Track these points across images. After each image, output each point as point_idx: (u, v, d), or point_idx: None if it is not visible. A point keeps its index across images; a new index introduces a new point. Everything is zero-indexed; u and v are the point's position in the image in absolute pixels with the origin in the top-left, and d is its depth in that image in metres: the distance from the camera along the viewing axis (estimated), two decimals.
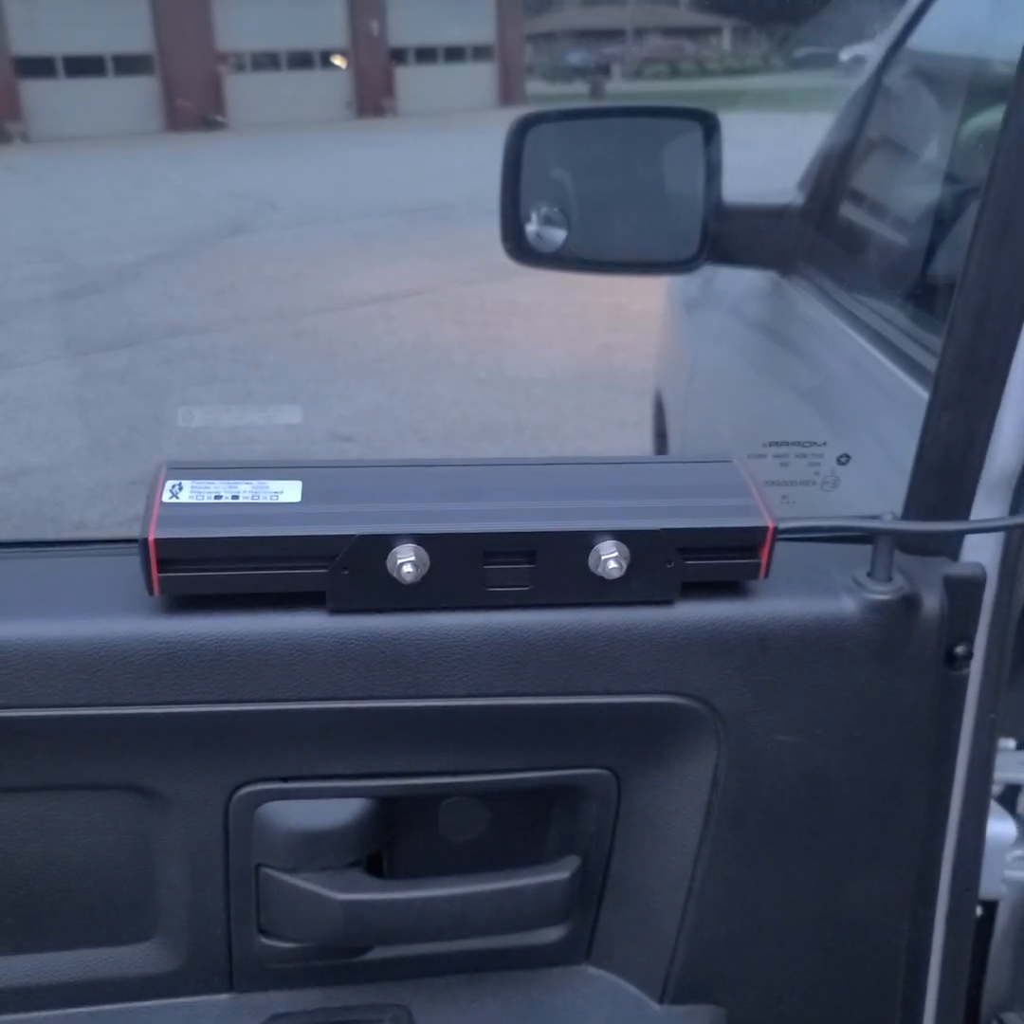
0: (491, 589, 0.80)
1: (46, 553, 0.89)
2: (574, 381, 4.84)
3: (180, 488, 0.79)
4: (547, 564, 0.80)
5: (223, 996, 0.93)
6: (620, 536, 0.79)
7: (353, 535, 0.77)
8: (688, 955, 0.93)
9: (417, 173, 11.48)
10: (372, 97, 16.78)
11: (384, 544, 0.77)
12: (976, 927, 0.99)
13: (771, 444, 0.95)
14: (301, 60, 17.02)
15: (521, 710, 0.83)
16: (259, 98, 15.72)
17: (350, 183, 11.38)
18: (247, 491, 0.79)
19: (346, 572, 0.78)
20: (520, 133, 1.36)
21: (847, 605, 0.84)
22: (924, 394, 0.88)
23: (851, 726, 0.87)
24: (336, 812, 0.85)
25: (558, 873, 0.90)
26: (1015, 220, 0.79)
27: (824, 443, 0.95)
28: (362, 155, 13.74)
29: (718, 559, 0.81)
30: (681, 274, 1.51)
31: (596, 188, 1.45)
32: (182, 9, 15.26)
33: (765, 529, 0.80)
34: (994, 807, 0.99)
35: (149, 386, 5.24)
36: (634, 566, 0.79)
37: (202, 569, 0.77)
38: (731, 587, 0.83)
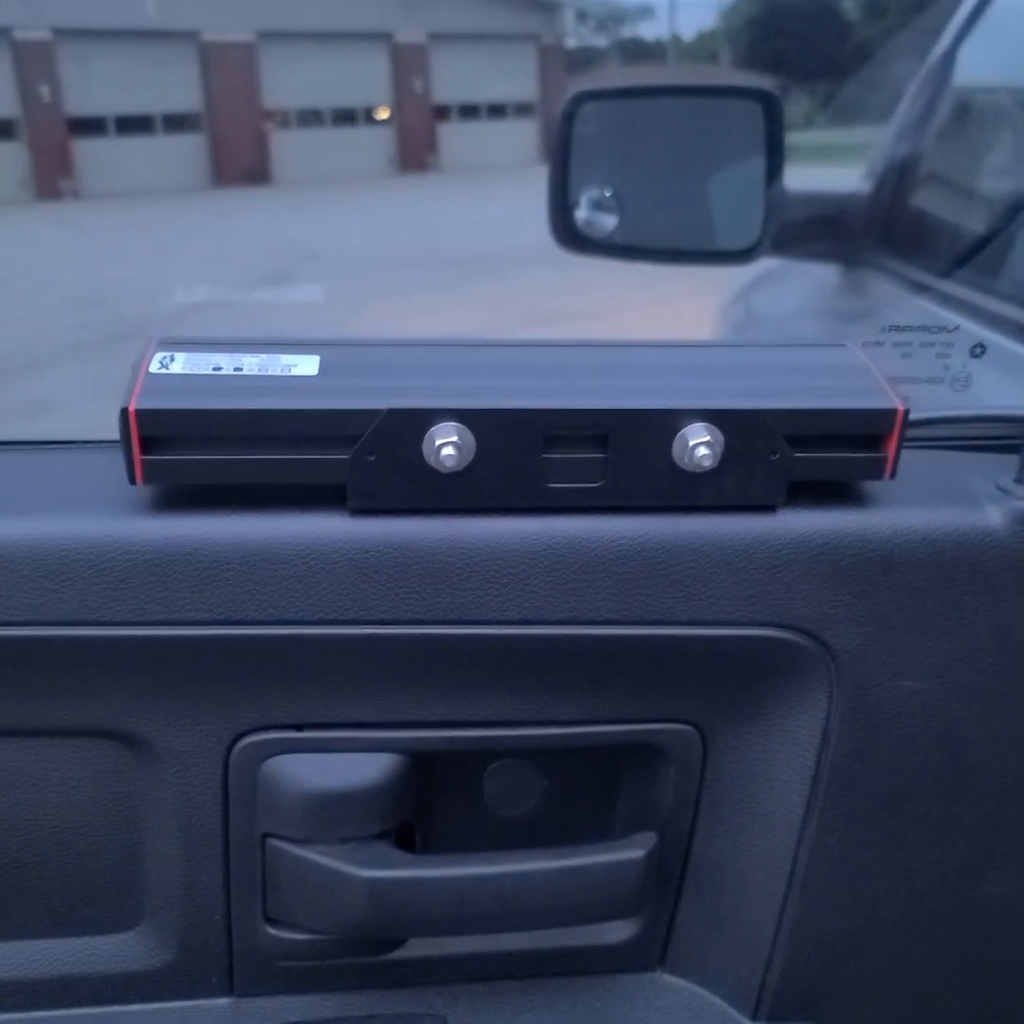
0: (553, 485, 0.66)
1: (21, 450, 0.77)
2: None
3: (172, 359, 0.66)
4: (622, 453, 0.66)
5: (222, 1000, 0.78)
6: (712, 417, 0.65)
7: (381, 410, 0.64)
8: (788, 961, 0.78)
9: (458, 226, 11.55)
10: (415, 153, 17.00)
11: (420, 421, 0.64)
12: None
13: (891, 329, 0.83)
14: (345, 117, 17.30)
15: (586, 642, 0.69)
16: (303, 154, 15.98)
17: (391, 235, 11.45)
18: (253, 364, 0.67)
19: (372, 458, 0.64)
20: (571, 110, 1.28)
21: (991, 516, 0.70)
22: None
23: (994, 673, 0.72)
24: (360, 769, 0.72)
25: (632, 851, 0.75)
26: None
27: (956, 327, 0.83)
28: (404, 209, 13.88)
29: (834, 451, 0.67)
30: (739, 265, 1.41)
31: (650, 171, 1.36)
32: (230, 69, 15.58)
33: (893, 412, 0.66)
34: None
35: None
36: (729, 456, 0.66)
37: (195, 452, 0.64)
38: (848, 492, 0.69)
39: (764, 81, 1.38)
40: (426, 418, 0.64)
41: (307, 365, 0.67)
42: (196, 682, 0.69)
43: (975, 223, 1.39)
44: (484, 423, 0.64)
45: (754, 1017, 0.81)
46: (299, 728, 0.71)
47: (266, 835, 0.73)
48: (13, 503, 0.67)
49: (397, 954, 0.79)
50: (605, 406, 0.65)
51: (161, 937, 0.77)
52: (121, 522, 0.66)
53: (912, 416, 0.67)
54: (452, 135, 17.38)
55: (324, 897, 0.73)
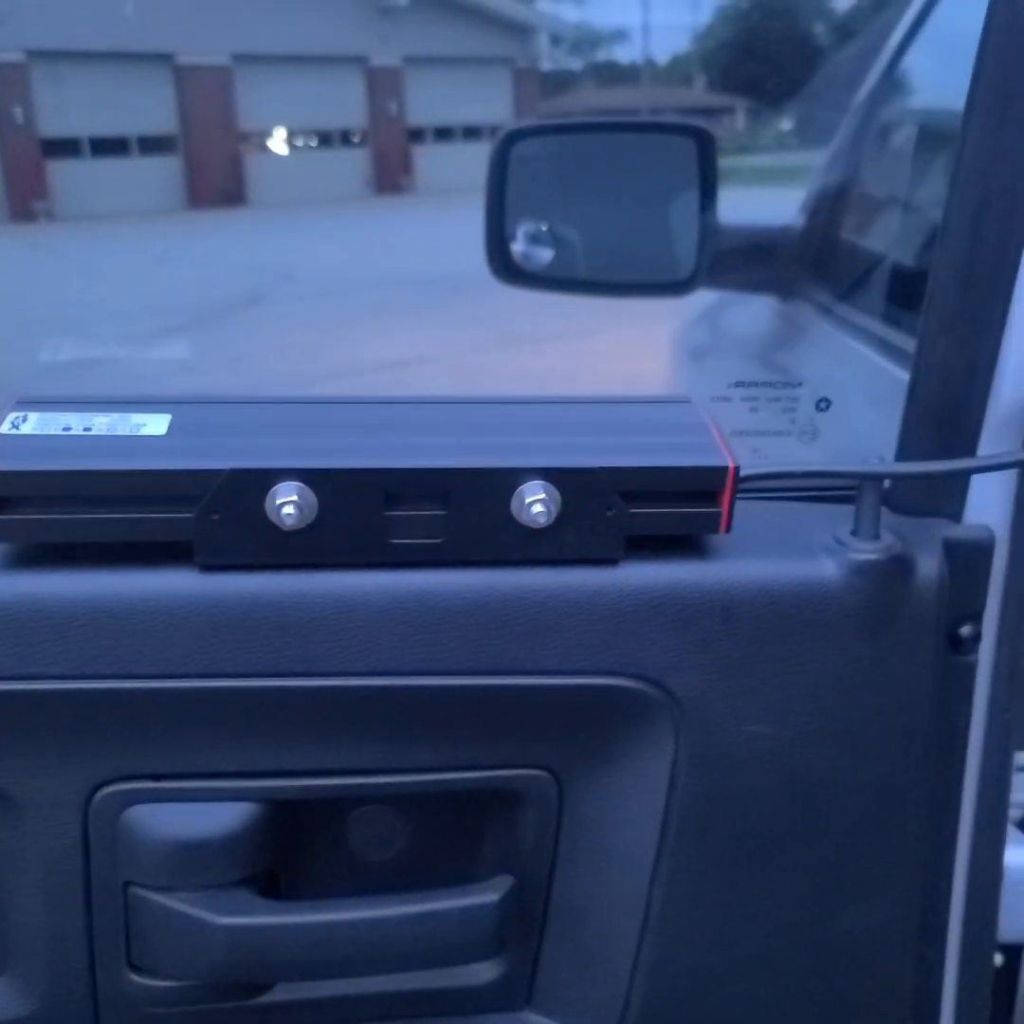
0: (395, 541, 0.68)
1: None
2: None
3: (24, 419, 0.68)
4: (462, 510, 0.68)
5: None
6: (548, 475, 0.67)
7: (223, 470, 0.65)
8: (646, 998, 0.80)
9: (433, 247, 11.59)
10: (390, 175, 17.07)
11: (261, 481, 0.66)
12: (996, 978, 0.84)
13: (738, 384, 0.85)
14: (321, 139, 17.35)
15: (436, 691, 0.71)
16: (279, 176, 16.01)
17: (367, 257, 11.49)
18: (103, 424, 0.68)
19: (216, 517, 0.66)
20: (505, 147, 1.31)
21: (826, 567, 0.72)
22: None
23: (836, 716, 0.74)
24: (219, 817, 0.73)
25: (487, 895, 0.77)
26: (1019, 89, 0.65)
27: (800, 384, 0.86)
28: (379, 230, 13.91)
29: (669, 507, 0.70)
30: (674, 296, 1.44)
31: (585, 206, 1.40)
32: (205, 91, 15.62)
33: (725, 470, 0.68)
34: (1013, 832, 0.85)
35: None
36: (566, 513, 0.68)
37: (43, 512, 0.66)
38: (686, 544, 0.72)
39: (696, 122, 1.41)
40: (268, 478, 0.66)
41: (156, 424, 0.69)
42: (52, 734, 0.70)
43: (901, 255, 1.42)
44: (325, 482, 0.66)
45: None
46: (157, 778, 0.73)
47: (128, 883, 0.74)
48: None
49: (262, 999, 0.80)
50: (444, 465, 0.67)
51: (24, 985, 0.77)
52: None
53: (745, 472, 0.69)
54: (427, 157, 17.46)
55: (184, 944, 0.74)
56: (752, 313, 1.66)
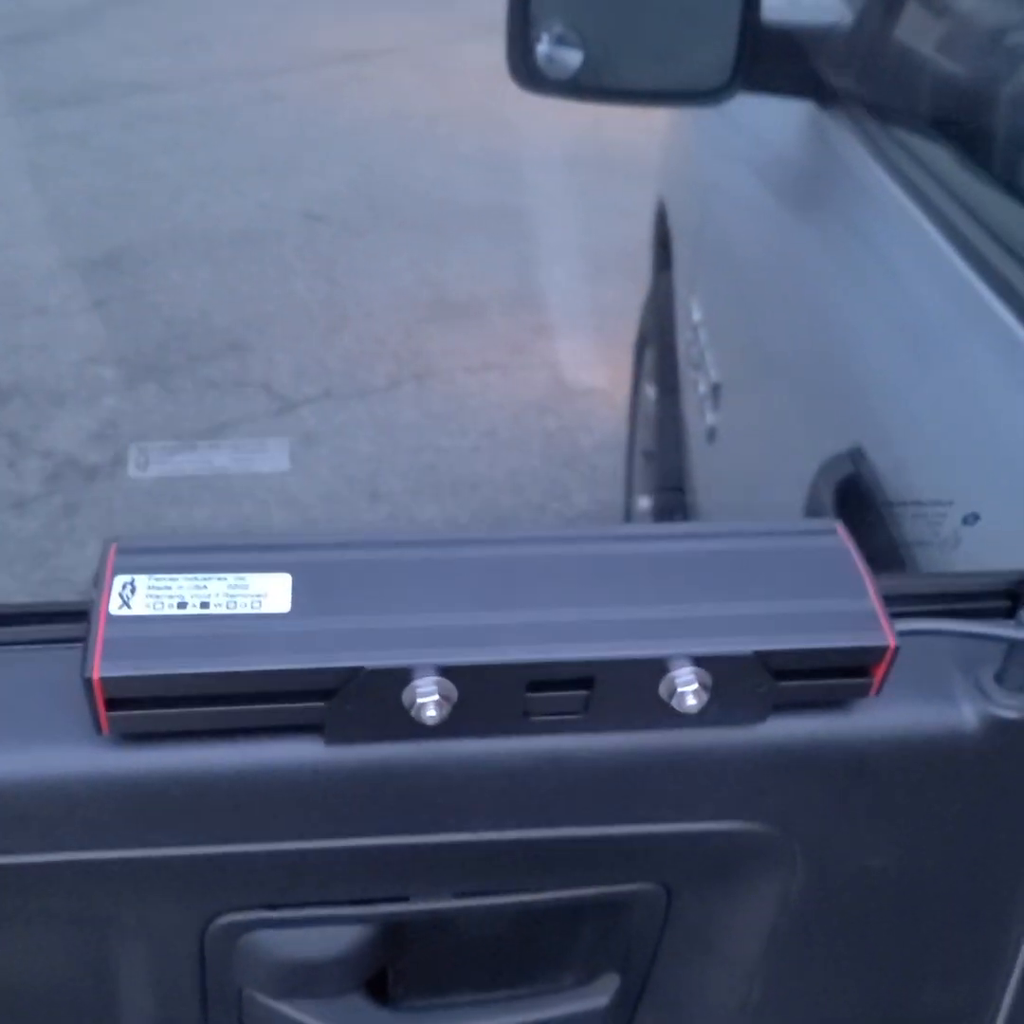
0: (534, 718, 0.65)
1: None
2: (564, 161, 4.54)
3: (132, 589, 0.63)
4: (607, 692, 0.65)
5: None
6: (702, 662, 0.64)
7: (361, 668, 0.61)
8: None
9: None
10: None
11: (400, 677, 0.62)
12: None
13: (884, 505, 0.80)
14: None
15: (563, 841, 0.71)
16: None
17: None
18: (220, 594, 0.63)
19: (349, 708, 0.63)
20: None
21: (967, 718, 0.70)
22: None
23: (953, 851, 0.75)
24: (334, 937, 0.74)
25: (596, 999, 0.79)
26: None
27: (950, 503, 0.81)
28: None
29: (820, 679, 0.67)
30: (711, 105, 1.32)
31: (618, 5, 1.25)
32: None
33: (884, 649, 0.65)
34: None
35: (109, 153, 4.89)
36: (716, 694, 0.64)
37: (161, 708, 0.62)
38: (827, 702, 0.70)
39: None
40: (406, 673, 0.62)
41: (278, 594, 0.64)
42: (171, 884, 0.70)
43: (965, 74, 1.29)
44: (466, 676, 0.63)
45: None
46: (274, 907, 0.73)
47: (242, 988, 0.76)
48: None
49: None
50: (591, 657, 0.64)
51: None
52: (88, 759, 0.64)
53: (900, 631, 0.65)
54: None
55: None
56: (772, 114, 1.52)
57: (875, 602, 0.67)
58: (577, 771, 0.68)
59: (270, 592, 0.64)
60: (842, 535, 0.69)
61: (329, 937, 0.75)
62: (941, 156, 1.22)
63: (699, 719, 0.66)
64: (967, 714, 0.71)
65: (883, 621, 0.66)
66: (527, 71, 1.23)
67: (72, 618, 0.64)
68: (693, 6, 1.27)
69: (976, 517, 0.79)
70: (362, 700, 0.63)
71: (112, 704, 0.61)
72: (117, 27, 6.65)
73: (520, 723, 0.66)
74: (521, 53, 1.22)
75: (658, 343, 2.13)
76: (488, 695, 0.64)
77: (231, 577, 0.64)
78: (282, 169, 4.78)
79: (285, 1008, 0.76)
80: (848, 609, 0.67)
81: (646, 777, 0.69)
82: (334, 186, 4.53)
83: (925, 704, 0.71)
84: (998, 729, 0.70)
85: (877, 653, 0.65)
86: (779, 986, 0.81)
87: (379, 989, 0.81)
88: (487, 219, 4.16)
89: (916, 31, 1.34)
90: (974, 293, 0.99)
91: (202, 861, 0.68)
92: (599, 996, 0.80)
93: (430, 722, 0.62)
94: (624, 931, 0.80)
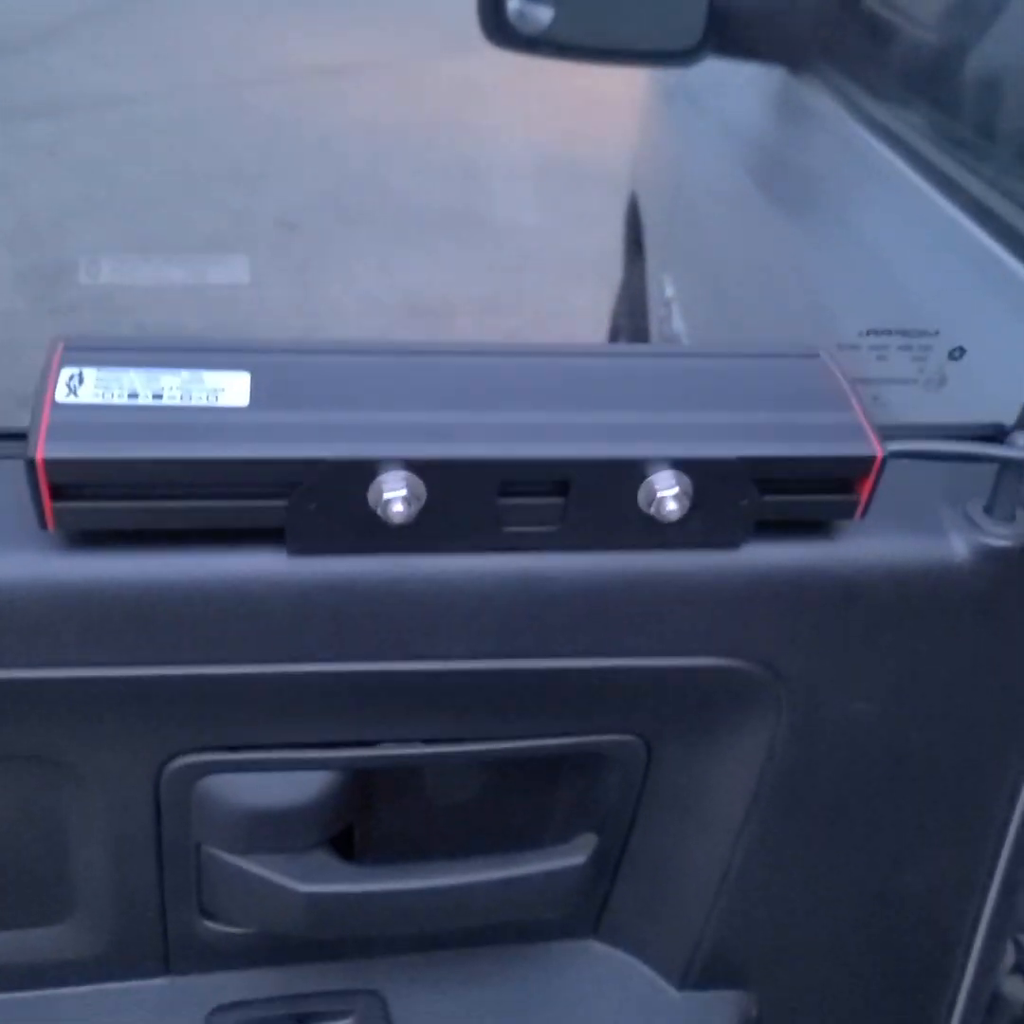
0: (507, 529, 0.62)
1: None
2: (536, 171, 4.56)
3: (80, 380, 0.58)
4: (583, 499, 0.61)
5: (158, 980, 0.79)
6: (683, 466, 0.60)
7: (323, 459, 0.58)
8: (716, 936, 0.80)
9: None
10: None
11: (365, 471, 0.58)
12: None
13: (870, 333, 0.78)
14: None
15: (537, 675, 0.67)
16: None
17: None
18: (175, 389, 0.59)
19: (312, 506, 0.59)
20: None
21: (957, 548, 0.68)
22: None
23: (943, 698, 0.72)
24: (297, 786, 0.70)
25: (573, 858, 0.75)
26: None
27: (936, 333, 0.79)
28: None
29: (805, 494, 0.64)
30: (681, 66, 1.32)
31: None
32: None
33: (871, 459, 0.62)
34: None
35: (81, 162, 4.86)
36: (698, 504, 0.61)
37: (112, 500, 0.58)
38: (812, 524, 0.67)
39: None
40: (372, 467, 0.58)
41: (236, 389, 0.59)
42: (124, 714, 0.66)
43: (940, 36, 1.29)
44: (435, 472, 0.59)
45: (681, 986, 0.83)
46: (233, 749, 0.69)
47: (201, 844, 0.72)
48: None
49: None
50: (567, 455, 0.60)
51: (94, 928, 0.77)
52: (35, 563, 0.59)
53: (889, 450, 0.63)
54: None
55: (261, 905, 0.72)
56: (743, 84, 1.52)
57: (861, 416, 0.64)
58: (552, 594, 0.64)
59: (228, 387, 0.60)
60: (826, 358, 0.67)
61: (292, 784, 0.70)
62: (917, 115, 1.22)
63: (679, 534, 0.63)
64: (956, 544, 0.68)
65: (870, 433, 0.63)
66: (497, 25, 1.22)
67: (12, 438, 0.60)
68: None
69: (962, 351, 0.77)
70: (325, 497, 0.59)
71: (58, 493, 0.57)
72: (89, 41, 6.63)
73: (492, 534, 0.62)
74: (492, 7, 1.20)
75: (630, 329, 2.12)
76: (458, 497, 0.60)
77: (186, 373, 0.60)
78: (255, 178, 4.77)
79: (246, 864, 0.71)
80: (834, 421, 0.64)
81: (623, 603, 0.65)
82: (308, 195, 4.53)
83: (912, 534, 0.68)
84: (989, 558, 0.68)
85: (864, 464, 0.63)
86: (762, 854, 0.78)
87: (346, 848, 0.77)
88: (458, 226, 4.16)
89: None
90: (985, 252, 0.97)
91: (155, 684, 0.63)
92: (576, 855, 0.76)
93: (397, 520, 0.58)
94: (603, 788, 0.77)
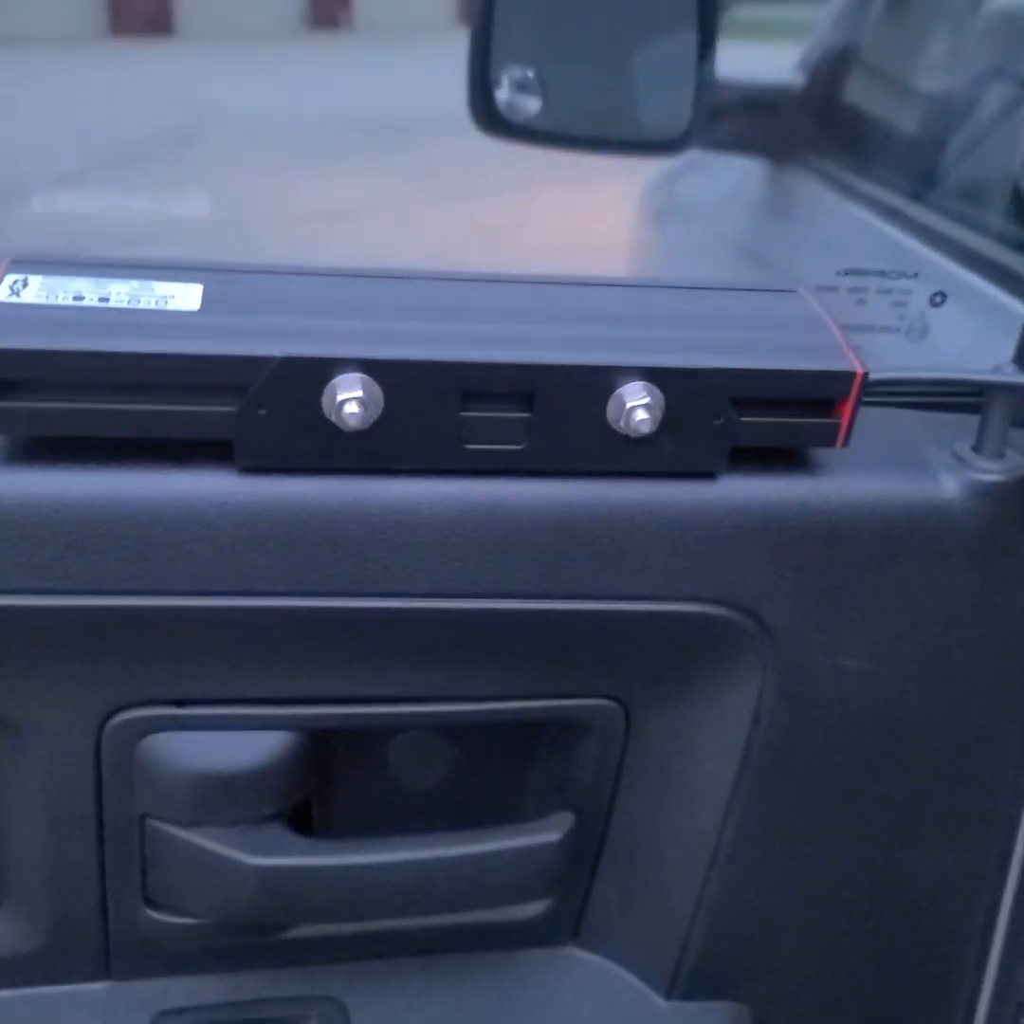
0: (470, 446, 0.59)
1: None
2: None
3: (24, 284, 0.56)
4: (550, 413, 0.58)
5: (97, 985, 0.73)
6: (653, 376, 0.58)
7: (274, 357, 0.55)
8: (706, 938, 0.74)
9: (372, 89, 11.08)
10: (326, 8, 16.20)
11: (319, 372, 0.55)
12: None
13: (847, 273, 0.78)
14: None
15: (503, 617, 0.63)
16: (209, 7, 15.12)
17: (302, 97, 10.95)
18: (122, 293, 0.57)
19: (263, 412, 0.56)
20: None
21: (946, 487, 0.64)
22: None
23: (937, 652, 0.68)
24: (248, 748, 0.65)
25: (546, 835, 0.71)
26: None
27: (915, 275, 0.78)
28: (315, 69, 13.26)
29: (783, 416, 0.61)
30: (666, 155, 1.36)
31: (576, 52, 1.29)
32: None
33: (852, 375, 0.59)
34: None
35: None
36: (669, 420, 0.58)
37: (54, 400, 0.55)
38: (793, 458, 0.63)
39: None
40: (326, 368, 0.56)
41: (187, 297, 0.58)
42: (61, 655, 0.62)
43: (913, 124, 1.34)
44: (393, 376, 0.56)
45: (668, 995, 0.77)
46: (180, 704, 0.65)
47: (145, 815, 0.67)
48: None
49: (290, 933, 0.74)
50: (532, 360, 0.58)
51: (30, 919, 0.71)
52: None
53: (871, 377, 0.60)
54: None
55: (210, 883, 0.67)
56: (729, 176, 1.58)
57: (840, 337, 0.61)
58: (519, 523, 0.61)
59: (178, 294, 0.58)
60: (805, 293, 0.65)
61: (243, 747, 0.65)
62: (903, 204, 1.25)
63: (652, 454, 0.59)
64: (945, 482, 0.65)
65: (849, 351, 0.60)
66: (488, 115, 1.26)
67: None
68: (649, 59, 1.32)
69: (943, 297, 0.75)
70: (276, 402, 0.55)
71: (1, 389, 0.54)
72: (104, 189, 6.89)
73: (455, 451, 0.59)
74: (481, 96, 1.24)
75: None
76: (418, 405, 0.57)
77: (136, 282, 0.58)
78: None
79: (192, 837, 0.66)
80: (812, 341, 0.61)
81: (594, 537, 0.62)
82: None
83: (898, 472, 0.65)
84: (980, 494, 0.64)
85: (843, 381, 0.59)
86: (750, 834, 0.72)
87: (304, 827, 0.71)
88: None
89: (862, 90, 1.39)
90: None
91: (96, 618, 0.59)
92: (550, 832, 0.71)
93: (352, 423, 0.55)
94: (580, 760, 0.72)
